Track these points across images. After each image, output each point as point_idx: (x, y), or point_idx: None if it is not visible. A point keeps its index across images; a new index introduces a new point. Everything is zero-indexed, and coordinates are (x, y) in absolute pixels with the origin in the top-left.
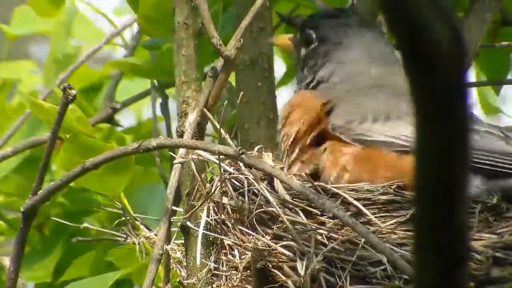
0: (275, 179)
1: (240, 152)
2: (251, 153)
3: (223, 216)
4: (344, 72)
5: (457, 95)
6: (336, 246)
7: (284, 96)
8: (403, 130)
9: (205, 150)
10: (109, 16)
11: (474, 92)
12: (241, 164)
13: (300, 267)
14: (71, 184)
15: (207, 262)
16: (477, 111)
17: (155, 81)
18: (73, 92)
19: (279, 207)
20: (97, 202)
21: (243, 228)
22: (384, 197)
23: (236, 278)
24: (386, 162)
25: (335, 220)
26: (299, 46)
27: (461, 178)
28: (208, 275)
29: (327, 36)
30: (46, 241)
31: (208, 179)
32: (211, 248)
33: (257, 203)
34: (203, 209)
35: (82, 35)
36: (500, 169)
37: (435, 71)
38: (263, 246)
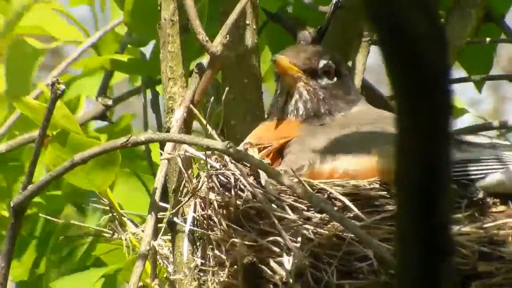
0: (261, 174)
1: (228, 146)
2: (239, 148)
3: (210, 212)
4: (361, 109)
5: (438, 87)
6: (323, 241)
7: (270, 92)
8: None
9: (193, 144)
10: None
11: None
12: (227, 160)
13: (287, 262)
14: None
15: (194, 258)
16: None
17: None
18: (62, 87)
19: (266, 203)
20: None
21: (230, 224)
22: (370, 193)
23: (223, 273)
24: None
25: (321, 215)
26: (318, 75)
27: (443, 172)
28: (195, 270)
29: (346, 74)
30: (22, 240)
31: (195, 175)
32: (198, 243)
33: (243, 198)
34: (190, 205)
35: (53, 32)
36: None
37: (416, 67)
38: (250, 242)
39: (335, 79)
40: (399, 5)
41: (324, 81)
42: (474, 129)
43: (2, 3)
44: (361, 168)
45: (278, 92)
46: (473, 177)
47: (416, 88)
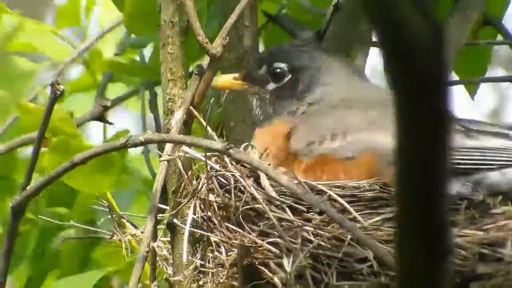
0: (261, 176)
1: (228, 147)
2: (238, 149)
3: (209, 213)
4: (334, 91)
5: (437, 88)
6: (322, 243)
7: None
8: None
9: (192, 145)
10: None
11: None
12: (227, 161)
13: (287, 263)
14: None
15: (194, 259)
16: None
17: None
18: (61, 87)
19: (266, 204)
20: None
21: (230, 225)
22: (370, 194)
23: (223, 275)
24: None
25: (321, 216)
26: (261, 82)
27: (441, 173)
28: (195, 272)
29: (305, 65)
30: (23, 239)
31: (195, 176)
32: (197, 245)
33: (243, 200)
34: (190, 206)
35: (43, 49)
36: (462, 166)
37: (415, 66)
38: (249, 243)
39: (286, 79)
40: (396, 7)
41: (271, 85)
42: None
43: None
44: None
45: None
46: (481, 166)
47: (414, 89)
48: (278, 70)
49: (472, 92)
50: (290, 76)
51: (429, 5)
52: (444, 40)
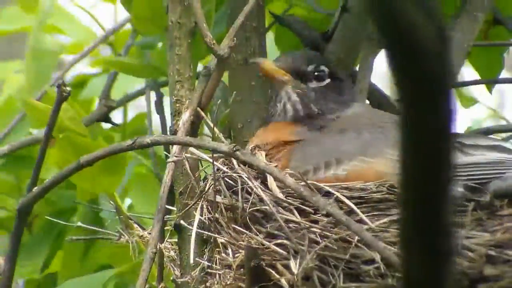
0: (268, 177)
1: (234, 149)
2: (245, 151)
3: (216, 215)
4: (358, 113)
5: (442, 91)
6: (329, 244)
7: None
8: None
9: (199, 147)
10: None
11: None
12: (234, 162)
13: (294, 265)
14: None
15: (201, 261)
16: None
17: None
18: (68, 89)
19: (273, 206)
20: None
21: (237, 227)
22: (377, 196)
23: (230, 276)
24: None
25: (328, 218)
26: (305, 78)
27: (446, 175)
28: (202, 273)
29: (342, 77)
30: (34, 239)
31: (202, 177)
32: (204, 246)
33: (250, 201)
34: (197, 208)
35: (69, 32)
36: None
37: (420, 68)
38: (256, 245)
39: (326, 82)
40: (402, 9)
41: (314, 84)
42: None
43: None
44: (364, 173)
45: (270, 97)
46: (478, 181)
47: (419, 91)
48: (322, 72)
49: (489, 89)
50: (329, 80)
51: (434, 8)
52: (449, 42)
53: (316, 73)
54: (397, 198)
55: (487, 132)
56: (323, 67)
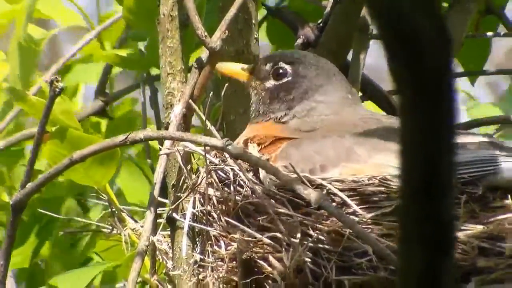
0: (260, 170)
1: (226, 143)
2: (237, 144)
3: (209, 208)
4: (319, 112)
5: (441, 82)
6: (322, 237)
7: None
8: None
9: (191, 141)
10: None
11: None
12: (226, 155)
13: (286, 258)
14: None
15: (193, 253)
16: None
17: (144, 73)
18: (61, 84)
19: (265, 198)
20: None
21: (229, 219)
22: (369, 188)
23: (222, 269)
24: None
25: (320, 211)
26: (263, 77)
27: (447, 168)
28: (194, 266)
29: (307, 76)
30: (23, 228)
31: (194, 170)
32: (197, 239)
33: (242, 194)
34: (189, 201)
35: (51, 14)
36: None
37: (420, 62)
38: (248, 237)
39: (284, 80)
40: (402, 5)
41: (271, 83)
42: (472, 125)
43: None
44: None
45: None
46: (468, 178)
47: (418, 83)
48: (281, 70)
49: (472, 80)
50: (290, 79)
51: (433, 1)
52: (449, 35)
53: (274, 71)
54: (397, 190)
55: (480, 123)
56: (282, 64)
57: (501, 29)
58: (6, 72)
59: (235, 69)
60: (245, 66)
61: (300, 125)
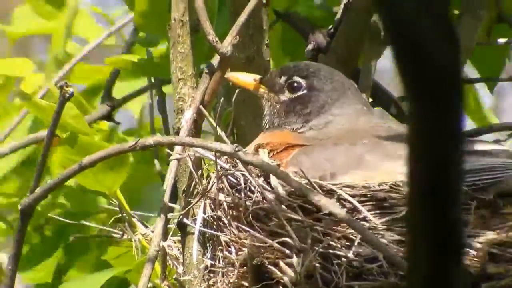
0: (271, 175)
1: (237, 149)
2: (247, 151)
3: (219, 213)
4: (336, 123)
5: (450, 88)
6: (332, 243)
7: None
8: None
9: (201, 147)
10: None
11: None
12: (237, 160)
13: (297, 263)
14: (71, 184)
15: (204, 259)
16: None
17: (152, 79)
18: (70, 90)
19: (275, 204)
20: (97, 203)
21: (240, 225)
22: (380, 194)
23: (233, 274)
24: None
25: (331, 216)
26: (277, 90)
27: (455, 173)
28: (205, 271)
29: (323, 89)
30: (46, 242)
31: (205, 175)
32: (207, 244)
33: (253, 199)
34: (200, 206)
35: (83, 32)
36: None
37: (427, 65)
38: (259, 243)
39: (300, 93)
40: (410, 6)
41: (285, 96)
42: (474, 132)
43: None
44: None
45: None
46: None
47: (427, 89)
48: (296, 84)
49: (491, 88)
50: (305, 92)
51: (443, 7)
52: (458, 42)
53: (289, 85)
54: (405, 196)
55: (488, 130)
56: (297, 78)
57: None
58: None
59: (246, 79)
60: (256, 76)
61: (316, 135)
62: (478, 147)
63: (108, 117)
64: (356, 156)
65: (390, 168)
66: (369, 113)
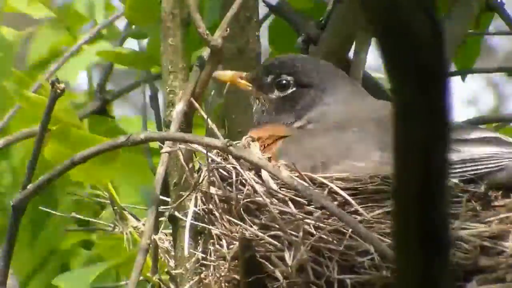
0: (262, 169)
1: (228, 144)
2: (238, 143)
3: (210, 206)
4: (333, 111)
5: (436, 82)
6: (324, 236)
7: None
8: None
9: (193, 142)
10: None
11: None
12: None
13: (288, 257)
14: None
15: (195, 252)
16: None
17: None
18: (62, 85)
19: (267, 197)
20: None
21: (231, 218)
22: (371, 187)
23: (224, 268)
24: None
25: (322, 210)
26: (266, 89)
27: (441, 167)
28: (196, 265)
29: (311, 83)
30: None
31: (196, 169)
32: (199, 238)
33: (244, 193)
34: (191, 199)
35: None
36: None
37: (413, 58)
38: (250, 236)
39: (290, 91)
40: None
41: (275, 94)
42: (478, 122)
43: None
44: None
45: None
46: (471, 176)
47: (413, 82)
48: (284, 82)
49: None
50: (294, 89)
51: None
52: (444, 34)
53: (277, 83)
54: (391, 189)
55: (484, 122)
56: (284, 76)
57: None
58: None
59: (235, 78)
60: (244, 74)
61: (316, 127)
62: (473, 135)
63: (102, 111)
64: (346, 145)
65: (380, 158)
66: (362, 94)
